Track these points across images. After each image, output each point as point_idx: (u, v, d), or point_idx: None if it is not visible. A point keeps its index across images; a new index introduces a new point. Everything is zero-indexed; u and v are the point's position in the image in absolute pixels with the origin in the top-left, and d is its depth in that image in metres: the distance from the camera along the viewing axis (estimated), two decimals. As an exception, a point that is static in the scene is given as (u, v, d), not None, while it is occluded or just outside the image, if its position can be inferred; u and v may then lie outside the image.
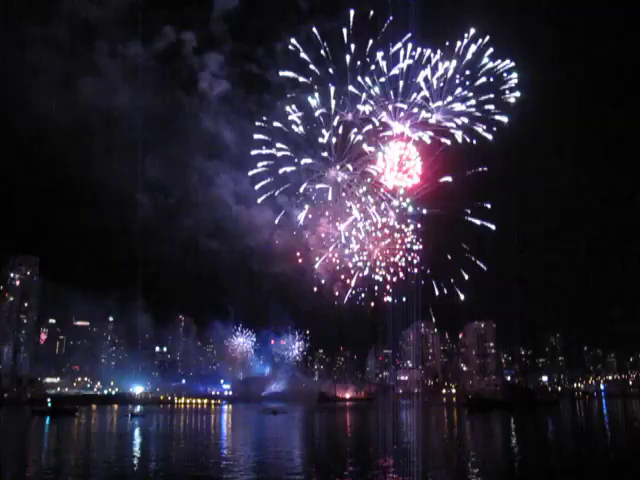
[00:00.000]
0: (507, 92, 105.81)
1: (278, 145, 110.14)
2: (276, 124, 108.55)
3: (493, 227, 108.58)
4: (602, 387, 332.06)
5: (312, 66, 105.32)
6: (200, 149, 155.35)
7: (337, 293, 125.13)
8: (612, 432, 73.93)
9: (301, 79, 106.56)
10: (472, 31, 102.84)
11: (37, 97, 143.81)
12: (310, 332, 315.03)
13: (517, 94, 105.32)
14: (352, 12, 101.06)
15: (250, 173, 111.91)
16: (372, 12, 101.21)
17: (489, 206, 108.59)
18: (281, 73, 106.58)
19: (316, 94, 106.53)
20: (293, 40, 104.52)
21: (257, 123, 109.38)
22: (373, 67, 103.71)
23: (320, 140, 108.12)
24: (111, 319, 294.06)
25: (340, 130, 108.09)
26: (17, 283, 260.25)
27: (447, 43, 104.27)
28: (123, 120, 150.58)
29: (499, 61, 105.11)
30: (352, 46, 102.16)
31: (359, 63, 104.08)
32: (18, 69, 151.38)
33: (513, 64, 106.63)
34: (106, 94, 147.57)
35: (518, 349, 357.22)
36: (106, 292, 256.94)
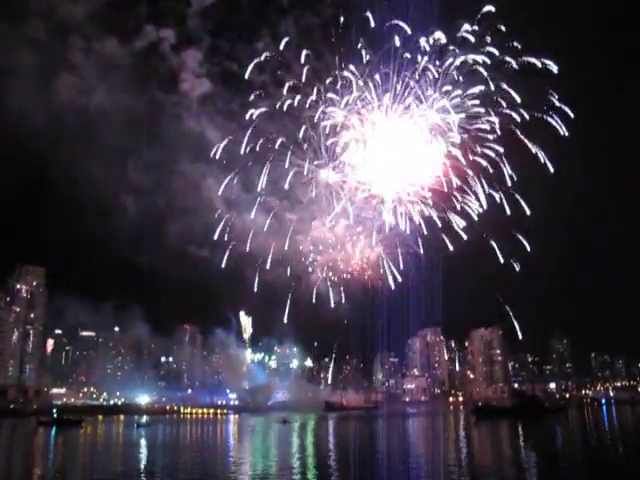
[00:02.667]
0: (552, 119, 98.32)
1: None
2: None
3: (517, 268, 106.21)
4: (611, 394, 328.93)
5: (289, 84, 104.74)
6: (183, 151, 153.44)
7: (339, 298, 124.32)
8: (623, 441, 73.05)
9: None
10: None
11: (12, 97, 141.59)
12: (316, 340, 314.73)
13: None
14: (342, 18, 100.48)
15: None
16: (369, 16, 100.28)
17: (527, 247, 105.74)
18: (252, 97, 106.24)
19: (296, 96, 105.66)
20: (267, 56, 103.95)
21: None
22: (364, 64, 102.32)
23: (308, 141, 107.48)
24: (117, 329, 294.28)
25: (327, 131, 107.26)
26: (24, 294, 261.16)
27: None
28: (101, 121, 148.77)
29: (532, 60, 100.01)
30: (339, 40, 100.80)
31: (344, 60, 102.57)
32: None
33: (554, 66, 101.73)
34: (83, 93, 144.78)
35: (525, 356, 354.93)
36: (111, 303, 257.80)
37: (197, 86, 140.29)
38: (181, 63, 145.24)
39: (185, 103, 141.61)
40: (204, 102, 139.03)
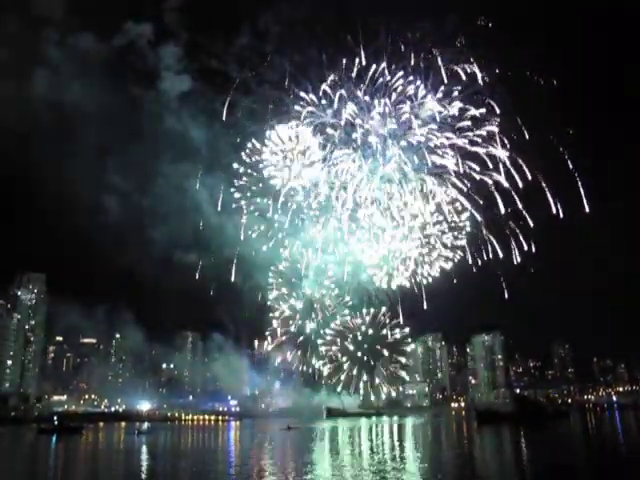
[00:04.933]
0: None
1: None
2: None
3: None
4: (613, 398, 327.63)
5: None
6: (164, 150, 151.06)
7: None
8: (626, 446, 72.78)
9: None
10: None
11: None
12: (317, 346, 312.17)
13: None
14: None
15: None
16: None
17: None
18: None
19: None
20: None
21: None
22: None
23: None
24: (117, 336, 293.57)
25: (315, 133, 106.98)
26: (25, 301, 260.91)
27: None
28: (79, 120, 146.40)
29: None
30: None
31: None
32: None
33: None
34: (59, 90, 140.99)
35: (527, 361, 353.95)
36: (112, 309, 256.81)
37: (177, 83, 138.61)
38: (160, 59, 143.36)
39: (165, 101, 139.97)
40: (185, 100, 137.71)
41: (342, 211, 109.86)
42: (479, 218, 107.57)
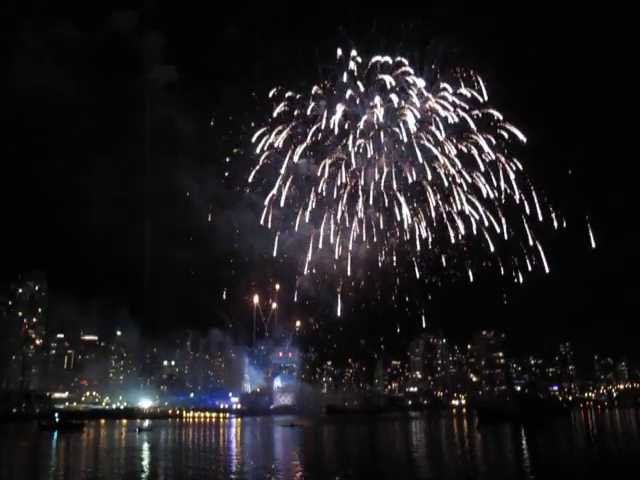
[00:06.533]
0: None
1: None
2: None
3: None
4: (614, 396, 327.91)
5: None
6: (156, 145, 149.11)
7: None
8: (626, 445, 72.74)
9: None
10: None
11: None
12: (318, 343, 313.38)
13: None
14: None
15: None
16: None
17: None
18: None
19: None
20: None
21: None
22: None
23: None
24: (119, 333, 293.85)
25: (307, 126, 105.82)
26: (25, 298, 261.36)
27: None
28: (76, 119, 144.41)
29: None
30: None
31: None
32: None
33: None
34: (41, 81, 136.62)
35: (528, 359, 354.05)
36: (113, 307, 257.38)
37: (163, 73, 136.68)
38: (146, 49, 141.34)
39: (152, 91, 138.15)
40: (172, 90, 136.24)
41: (334, 213, 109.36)
42: (485, 234, 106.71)
